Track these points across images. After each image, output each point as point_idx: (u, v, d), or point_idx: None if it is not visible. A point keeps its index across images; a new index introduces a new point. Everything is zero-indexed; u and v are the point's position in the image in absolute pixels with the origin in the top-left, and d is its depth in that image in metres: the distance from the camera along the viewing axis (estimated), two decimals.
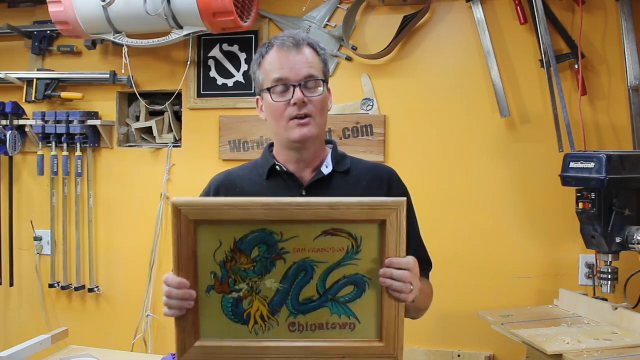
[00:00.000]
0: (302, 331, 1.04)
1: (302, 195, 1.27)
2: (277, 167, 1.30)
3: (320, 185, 1.29)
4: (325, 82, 1.28)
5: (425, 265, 1.36)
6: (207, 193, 1.36)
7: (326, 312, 1.05)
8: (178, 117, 2.65)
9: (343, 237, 1.03)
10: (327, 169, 1.30)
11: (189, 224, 1.01)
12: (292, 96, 1.22)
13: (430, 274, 1.42)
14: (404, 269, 1.03)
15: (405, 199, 1.03)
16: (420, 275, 1.25)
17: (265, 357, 1.04)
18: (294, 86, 1.22)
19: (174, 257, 1.02)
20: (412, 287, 1.05)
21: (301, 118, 1.23)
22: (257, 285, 1.04)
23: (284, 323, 1.05)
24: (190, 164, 2.57)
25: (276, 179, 1.31)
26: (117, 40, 2.35)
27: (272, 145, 1.37)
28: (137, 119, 2.73)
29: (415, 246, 1.34)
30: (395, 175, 1.37)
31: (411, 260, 1.05)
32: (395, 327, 1.04)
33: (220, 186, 1.34)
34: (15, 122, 2.64)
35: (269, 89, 1.24)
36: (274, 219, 1.02)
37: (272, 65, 1.25)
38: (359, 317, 1.05)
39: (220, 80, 2.53)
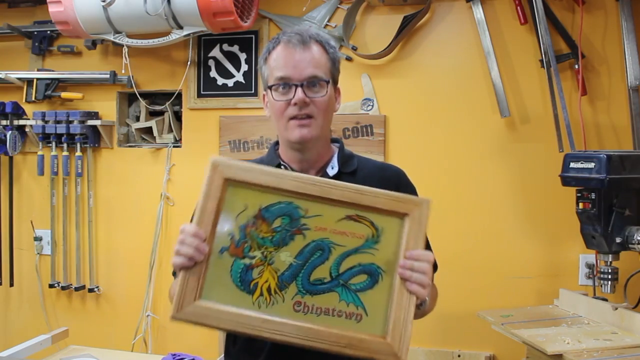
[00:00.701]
0: (306, 312, 1.02)
1: None
2: (282, 167, 1.27)
3: None
4: (333, 81, 1.25)
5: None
6: None
7: (334, 297, 1.02)
8: (178, 117, 2.65)
9: (365, 224, 1.04)
10: (332, 170, 1.28)
11: (221, 181, 1.02)
12: (293, 96, 1.19)
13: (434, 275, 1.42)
14: (424, 262, 1.03)
15: (430, 199, 1.04)
16: None
17: (262, 330, 1.01)
18: (296, 85, 1.19)
19: (198, 209, 1.03)
20: (429, 282, 1.05)
21: (302, 118, 1.20)
22: (272, 256, 1.02)
23: (290, 300, 1.02)
24: (190, 164, 2.57)
25: None
26: (117, 40, 2.35)
27: (277, 143, 1.34)
28: (137, 119, 2.73)
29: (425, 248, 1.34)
30: (404, 176, 1.36)
31: (431, 256, 1.05)
32: (403, 325, 1.03)
33: None
34: (15, 122, 2.64)
35: (271, 87, 1.22)
36: (303, 191, 1.03)
37: (276, 62, 1.21)
38: (367, 308, 1.03)
39: (220, 80, 2.53)
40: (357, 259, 1.03)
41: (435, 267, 1.38)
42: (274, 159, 1.30)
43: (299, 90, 1.18)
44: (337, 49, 1.29)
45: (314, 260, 1.03)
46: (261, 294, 1.02)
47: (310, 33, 1.23)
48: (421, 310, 1.14)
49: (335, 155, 1.30)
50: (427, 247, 1.32)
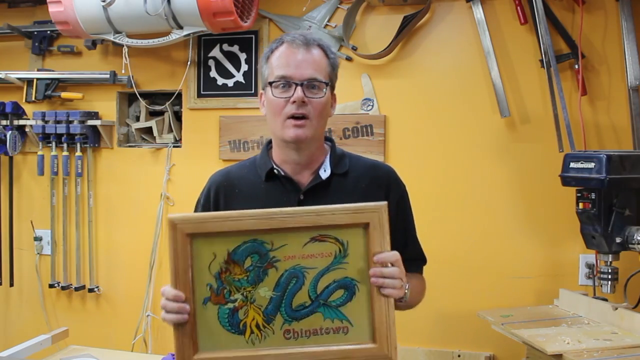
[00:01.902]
0: (297, 338, 1.07)
1: (299, 200, 1.27)
2: (275, 171, 1.29)
3: (319, 190, 1.28)
4: (331, 86, 1.28)
5: (418, 259, 1.39)
6: (207, 193, 1.35)
7: (319, 317, 1.07)
8: (178, 117, 2.65)
9: (330, 242, 1.07)
10: (325, 172, 1.29)
11: (184, 238, 1.05)
12: (293, 94, 1.21)
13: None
14: (392, 265, 1.07)
15: (385, 202, 1.08)
16: (413, 270, 1.29)
17: None
18: (296, 84, 1.21)
19: (171, 271, 1.06)
20: (402, 283, 1.08)
21: (298, 118, 1.22)
22: (252, 295, 1.07)
23: (279, 331, 1.07)
24: (190, 164, 2.57)
25: (274, 181, 1.30)
26: (117, 40, 2.35)
27: (270, 143, 1.36)
28: (137, 119, 2.73)
29: (411, 242, 1.37)
30: (394, 174, 1.37)
31: (397, 255, 1.08)
32: (387, 327, 1.06)
33: (219, 188, 1.33)
34: (15, 122, 2.64)
35: (271, 83, 1.25)
36: (263, 227, 1.06)
37: (278, 60, 1.24)
38: (351, 320, 1.08)
39: (220, 80, 2.53)
40: (331, 276, 1.07)
41: (423, 260, 1.41)
42: (266, 162, 1.31)
43: (299, 89, 1.21)
44: (337, 56, 1.32)
45: (292, 289, 1.07)
46: (252, 332, 1.07)
47: (313, 37, 1.27)
48: (404, 303, 1.17)
49: (328, 157, 1.32)
50: (411, 226, 1.37)
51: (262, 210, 1.08)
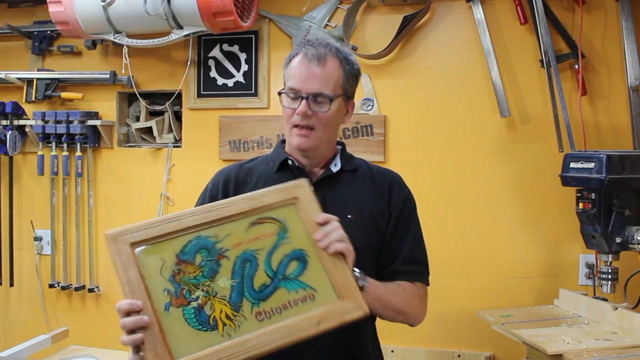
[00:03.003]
0: (270, 317, 1.06)
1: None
2: (289, 161, 1.34)
3: (328, 181, 1.32)
4: (345, 96, 1.30)
5: (416, 266, 1.34)
6: (216, 181, 1.38)
7: (283, 292, 1.08)
8: (178, 117, 2.65)
9: (269, 222, 1.12)
10: (335, 167, 1.35)
11: (127, 249, 1.04)
12: (299, 106, 1.26)
13: (431, 273, 1.38)
14: (332, 222, 1.13)
15: (306, 179, 1.17)
16: (405, 278, 1.29)
17: (246, 351, 1.03)
18: (302, 97, 1.25)
19: (122, 286, 1.02)
20: (344, 235, 1.12)
21: (302, 128, 1.27)
22: (212, 288, 1.06)
23: (251, 315, 1.06)
24: (190, 164, 2.57)
25: (286, 171, 1.34)
26: (117, 40, 2.35)
27: (284, 141, 1.40)
28: (137, 119, 2.73)
29: (413, 245, 1.34)
30: (399, 178, 1.40)
31: (331, 216, 1.14)
32: (347, 282, 1.10)
33: (231, 176, 1.36)
34: (15, 122, 2.64)
35: (281, 93, 1.30)
36: (203, 221, 1.08)
37: (291, 71, 1.29)
38: (313, 286, 1.10)
39: (220, 80, 2.53)
40: (281, 252, 1.11)
41: (423, 266, 1.37)
42: (281, 154, 1.36)
43: (304, 102, 1.25)
44: (355, 64, 1.32)
45: (248, 272, 1.08)
46: (224, 324, 1.05)
47: (330, 47, 1.29)
48: (365, 292, 1.16)
49: (338, 155, 1.38)
50: (413, 231, 1.36)
51: (198, 207, 1.12)
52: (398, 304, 1.27)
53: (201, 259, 1.07)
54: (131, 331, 0.99)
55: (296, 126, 1.27)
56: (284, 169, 1.34)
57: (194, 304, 1.05)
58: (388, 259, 1.32)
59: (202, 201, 1.37)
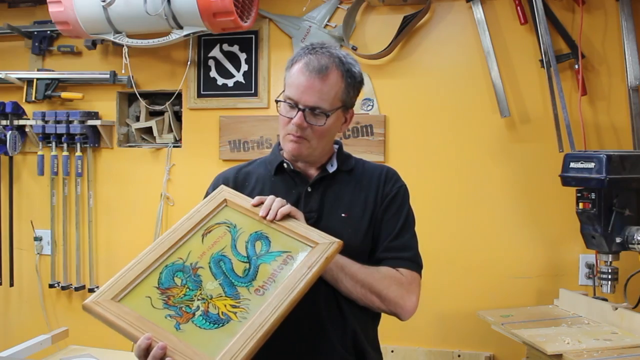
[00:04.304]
0: (267, 288, 1.11)
1: (307, 191, 1.31)
2: (285, 165, 1.34)
3: (325, 182, 1.32)
4: (344, 107, 1.29)
5: (401, 252, 1.30)
6: (215, 185, 1.37)
7: (265, 266, 1.15)
8: (178, 117, 2.65)
9: (217, 227, 1.22)
10: (332, 167, 1.34)
11: (110, 304, 1.07)
12: (295, 116, 1.24)
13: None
14: (264, 199, 1.22)
15: (222, 185, 1.29)
16: (389, 264, 1.28)
17: (265, 327, 1.04)
18: (299, 109, 1.24)
19: (125, 333, 1.04)
20: (281, 200, 1.21)
21: (295, 137, 1.26)
22: (205, 294, 1.11)
23: (251, 294, 1.11)
24: (190, 164, 2.57)
25: (283, 175, 1.35)
26: (117, 40, 2.35)
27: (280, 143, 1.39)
28: (137, 119, 2.73)
29: (400, 233, 1.31)
30: (393, 171, 1.39)
31: (258, 197, 1.23)
32: (310, 231, 1.18)
33: (229, 180, 1.37)
34: (15, 122, 2.64)
35: (277, 101, 1.29)
36: (161, 253, 1.17)
37: (291, 79, 1.26)
38: (287, 250, 1.17)
39: (220, 80, 2.53)
40: (242, 241, 1.20)
41: (407, 251, 1.32)
42: (277, 157, 1.37)
43: (299, 114, 1.24)
44: (358, 75, 1.30)
45: (226, 267, 1.15)
46: (234, 313, 1.09)
47: (334, 57, 1.25)
48: (341, 269, 1.21)
49: (335, 155, 1.37)
50: (404, 222, 1.34)
51: (153, 243, 1.20)
52: (366, 279, 1.22)
53: (181, 280, 1.13)
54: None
55: (290, 134, 1.27)
56: (281, 172, 1.35)
57: (199, 312, 1.08)
58: (376, 245, 1.30)
59: None
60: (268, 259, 1.16)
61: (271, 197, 1.22)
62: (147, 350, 1.00)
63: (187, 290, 1.11)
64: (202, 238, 1.20)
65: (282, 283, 1.11)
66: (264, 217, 1.19)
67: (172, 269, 1.15)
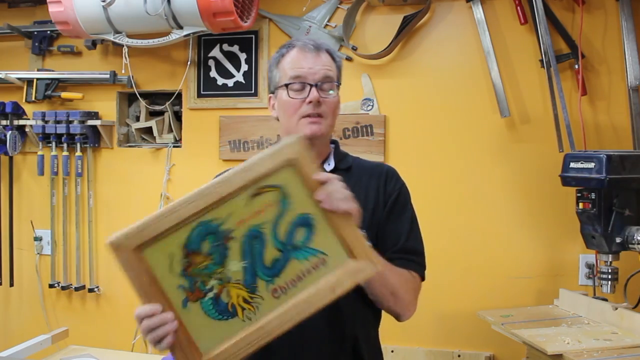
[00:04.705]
0: (285, 292, 1.05)
1: None
2: None
3: None
4: (338, 87, 1.32)
5: (412, 255, 1.32)
6: None
7: (295, 263, 1.05)
8: (178, 117, 2.65)
9: (269, 191, 1.05)
10: (329, 166, 1.34)
11: (132, 254, 1.00)
12: (308, 95, 1.25)
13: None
14: (330, 182, 1.06)
15: (299, 135, 1.09)
16: (401, 265, 1.27)
17: (271, 332, 1.03)
18: (311, 85, 1.26)
19: (137, 291, 1.01)
20: (347, 192, 1.07)
21: (314, 116, 1.26)
22: (225, 274, 1.04)
23: (267, 294, 1.04)
24: (190, 164, 2.57)
25: None
26: (117, 40, 2.35)
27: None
28: (137, 119, 2.73)
29: (408, 235, 1.32)
30: (393, 169, 1.40)
31: (331, 175, 1.08)
32: (359, 240, 1.06)
33: None
34: (15, 122, 2.64)
35: (286, 85, 1.27)
36: (202, 207, 1.02)
37: (291, 63, 1.28)
38: (324, 250, 1.06)
39: (220, 80, 2.53)
40: (286, 221, 1.06)
41: (419, 261, 1.34)
42: None
43: (314, 89, 1.25)
44: (341, 60, 1.39)
45: (257, 250, 1.04)
46: (243, 308, 1.04)
47: (321, 42, 1.32)
48: (378, 277, 1.15)
49: (332, 154, 1.37)
50: (409, 221, 1.34)
51: (192, 192, 1.03)
52: (394, 282, 1.24)
53: (209, 246, 1.03)
54: (159, 338, 1.00)
55: (306, 116, 1.26)
56: None
57: (210, 294, 1.03)
58: (383, 247, 1.29)
59: None
60: (302, 255, 1.06)
61: (336, 181, 1.07)
62: (150, 316, 0.99)
63: (210, 262, 1.03)
64: (249, 200, 1.05)
65: (302, 294, 1.05)
66: (320, 202, 1.06)
67: (206, 228, 1.03)
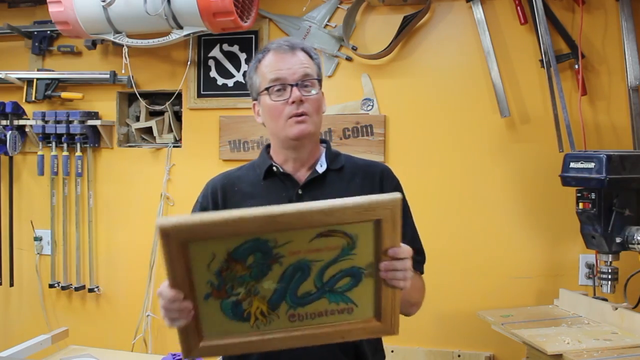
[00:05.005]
0: (302, 320, 1.05)
1: (297, 194, 1.30)
2: (274, 168, 1.33)
3: (315, 183, 1.32)
4: (320, 83, 1.32)
5: (417, 256, 1.30)
6: (205, 193, 1.37)
7: (324, 302, 1.05)
8: (178, 117, 2.65)
9: (338, 236, 1.01)
10: (321, 167, 1.34)
11: (178, 245, 0.97)
12: (290, 95, 1.25)
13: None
14: (403, 258, 1.03)
15: (400, 195, 1.01)
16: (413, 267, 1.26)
17: (270, 347, 1.06)
18: (291, 85, 1.26)
19: (168, 275, 1.00)
20: (411, 274, 1.06)
21: (299, 116, 1.26)
22: (255, 288, 1.03)
23: (284, 315, 1.05)
24: (190, 164, 2.57)
25: (273, 179, 1.33)
26: (117, 40, 2.35)
27: (268, 146, 1.39)
28: (137, 119, 2.73)
29: (410, 238, 1.32)
30: (388, 169, 1.40)
31: (410, 250, 1.05)
32: (392, 308, 1.06)
33: (218, 187, 1.36)
34: (15, 122, 2.64)
35: (267, 89, 1.28)
36: (266, 230, 0.99)
37: (269, 67, 1.29)
38: (356, 302, 1.06)
39: (220, 80, 2.53)
40: (338, 267, 1.03)
41: (422, 255, 1.37)
42: (265, 161, 1.35)
43: (295, 89, 1.26)
44: (319, 57, 1.37)
45: (297, 280, 1.03)
46: (257, 318, 1.05)
47: (295, 41, 1.33)
48: (403, 298, 1.13)
49: (324, 154, 1.37)
50: (409, 221, 1.34)
51: (263, 211, 0.97)
52: (414, 294, 1.29)
53: (253, 260, 1.01)
54: (171, 319, 1.04)
55: (291, 117, 1.26)
56: (271, 176, 1.33)
57: (234, 298, 1.04)
58: None
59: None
60: (334, 298, 1.05)
61: (407, 262, 1.04)
62: (171, 301, 1.01)
63: (247, 274, 1.02)
64: (315, 237, 1.01)
65: (315, 328, 1.05)
66: (381, 270, 1.03)
67: (258, 245, 1.00)
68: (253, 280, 1.02)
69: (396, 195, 0.99)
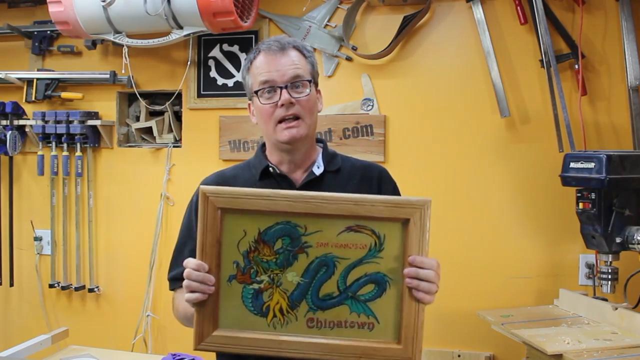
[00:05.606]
0: (320, 327, 1.05)
1: None
2: (270, 169, 1.31)
3: (313, 185, 1.30)
4: (314, 82, 1.30)
5: None
6: (197, 198, 1.36)
7: (345, 309, 1.05)
8: (178, 117, 2.65)
9: (366, 233, 1.03)
10: (318, 169, 1.32)
11: (215, 212, 1.02)
12: (279, 97, 1.23)
13: None
14: (429, 269, 1.03)
15: (430, 199, 1.03)
16: None
17: (281, 351, 1.05)
18: (281, 87, 1.24)
19: (198, 243, 1.03)
20: (437, 288, 1.05)
21: (289, 120, 1.24)
22: (279, 278, 1.04)
23: (303, 318, 1.05)
24: (190, 164, 2.57)
25: (269, 179, 1.31)
26: (117, 40, 2.35)
27: (264, 145, 1.37)
28: (137, 119, 2.73)
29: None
30: (385, 171, 1.39)
31: (435, 261, 1.05)
32: (414, 329, 1.04)
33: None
34: (15, 122, 2.64)
35: (257, 92, 1.26)
36: (298, 210, 1.03)
37: (259, 68, 1.27)
38: (378, 316, 1.05)
39: (220, 80, 2.53)
40: (363, 269, 1.04)
41: None
42: (261, 161, 1.33)
43: (284, 91, 1.23)
44: (313, 54, 1.34)
45: (321, 277, 1.04)
46: (274, 316, 1.05)
47: (287, 40, 1.30)
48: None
49: (320, 155, 1.35)
50: None
51: (298, 192, 1.05)
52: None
53: (281, 246, 1.04)
54: (191, 290, 1.04)
55: (281, 121, 1.24)
56: (267, 177, 1.31)
57: (256, 286, 1.04)
58: None
59: (188, 216, 1.34)
60: (356, 308, 1.04)
61: (434, 270, 1.05)
62: (195, 269, 1.03)
63: (273, 260, 1.04)
64: (343, 230, 1.03)
65: (332, 339, 1.04)
66: (405, 277, 1.03)
67: (287, 230, 1.03)
68: (278, 269, 1.04)
69: (427, 198, 1.03)
